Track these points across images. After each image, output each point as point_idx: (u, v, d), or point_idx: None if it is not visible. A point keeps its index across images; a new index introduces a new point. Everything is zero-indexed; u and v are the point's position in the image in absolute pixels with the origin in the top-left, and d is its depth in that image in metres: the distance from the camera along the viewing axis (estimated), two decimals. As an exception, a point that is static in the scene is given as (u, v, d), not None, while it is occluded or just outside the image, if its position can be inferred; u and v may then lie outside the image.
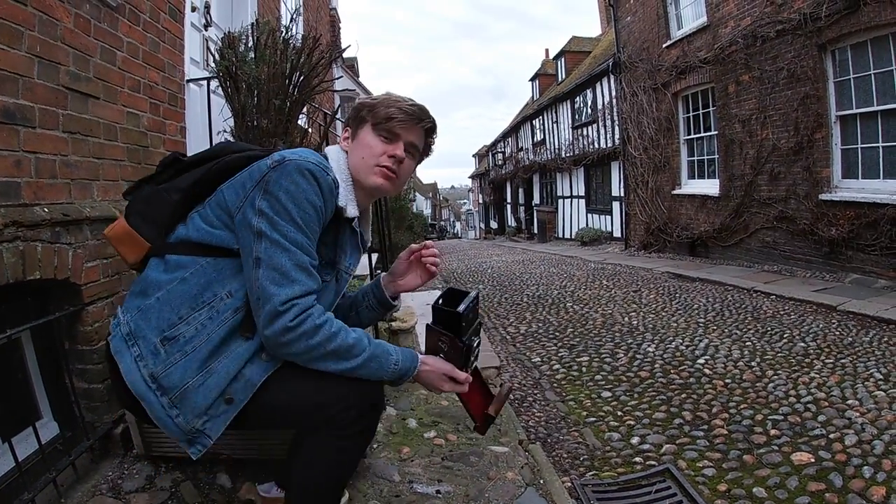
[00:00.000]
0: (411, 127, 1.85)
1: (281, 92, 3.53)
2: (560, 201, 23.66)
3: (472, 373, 1.85)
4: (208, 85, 4.48)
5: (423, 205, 61.60)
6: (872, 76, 7.98)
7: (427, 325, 1.83)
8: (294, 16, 4.16)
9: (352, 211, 1.80)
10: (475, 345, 1.83)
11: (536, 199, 27.94)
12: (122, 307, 1.74)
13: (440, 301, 1.83)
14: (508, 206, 34.87)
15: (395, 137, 1.84)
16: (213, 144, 1.95)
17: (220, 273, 1.65)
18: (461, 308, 1.73)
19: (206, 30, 5.49)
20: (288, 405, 1.65)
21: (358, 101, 1.91)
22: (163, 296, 1.63)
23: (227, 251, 1.66)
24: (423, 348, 1.85)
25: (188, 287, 1.63)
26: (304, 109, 4.06)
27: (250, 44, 3.64)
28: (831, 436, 3.40)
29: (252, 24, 3.79)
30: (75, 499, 2.47)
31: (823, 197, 8.70)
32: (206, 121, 4.36)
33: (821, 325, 5.91)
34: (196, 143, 4.62)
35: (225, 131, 3.68)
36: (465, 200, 79.23)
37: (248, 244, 1.58)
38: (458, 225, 79.33)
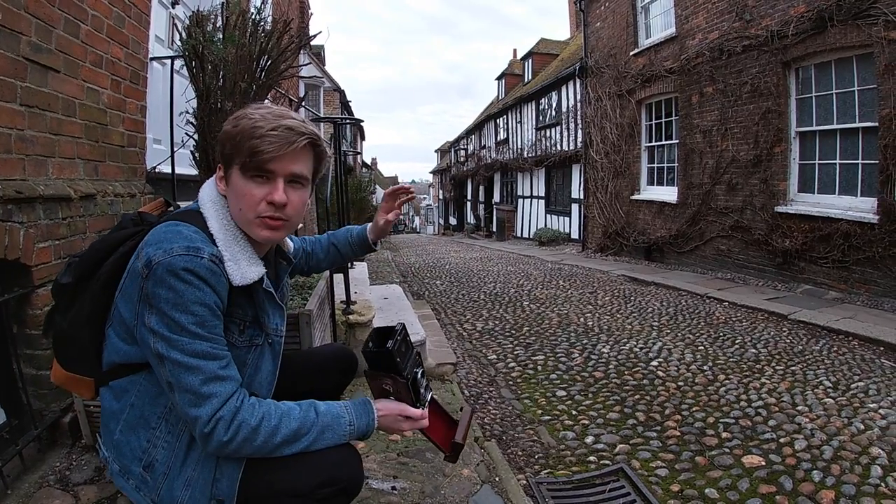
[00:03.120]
0: (285, 154, 1.53)
1: (248, 75, 3.46)
2: (520, 201, 23.83)
3: (430, 405, 1.80)
4: (172, 64, 4.38)
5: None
6: (834, 95, 8.19)
7: (365, 371, 1.75)
8: (265, -2, 4.08)
9: (252, 274, 1.55)
10: (420, 375, 1.76)
11: (497, 198, 28.05)
12: (100, 439, 1.66)
13: (370, 344, 1.74)
14: (468, 203, 34.90)
15: (271, 174, 1.54)
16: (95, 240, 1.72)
17: (158, 385, 1.53)
18: (389, 344, 1.67)
19: (174, 7, 5.37)
20: (270, 493, 1.56)
21: (223, 128, 1.58)
22: (123, 428, 1.56)
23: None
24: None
25: (138, 411, 1.56)
26: (270, 95, 3.98)
27: (219, 24, 3.56)
28: (781, 440, 3.48)
29: (222, 3, 3.71)
30: (22, 490, 2.40)
31: (779, 209, 8.92)
32: (167, 101, 4.27)
33: (772, 333, 6.04)
34: (156, 124, 4.51)
35: (187, 112, 3.59)
36: (426, 196, 79.08)
37: (155, 364, 1.46)
38: (417, 220, 79.12)
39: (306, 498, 1.54)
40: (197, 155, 3.60)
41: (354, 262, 7.71)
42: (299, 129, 1.54)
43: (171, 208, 1.79)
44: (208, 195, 1.62)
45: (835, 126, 8.20)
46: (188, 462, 1.53)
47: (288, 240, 1.93)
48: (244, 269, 1.54)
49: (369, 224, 2.26)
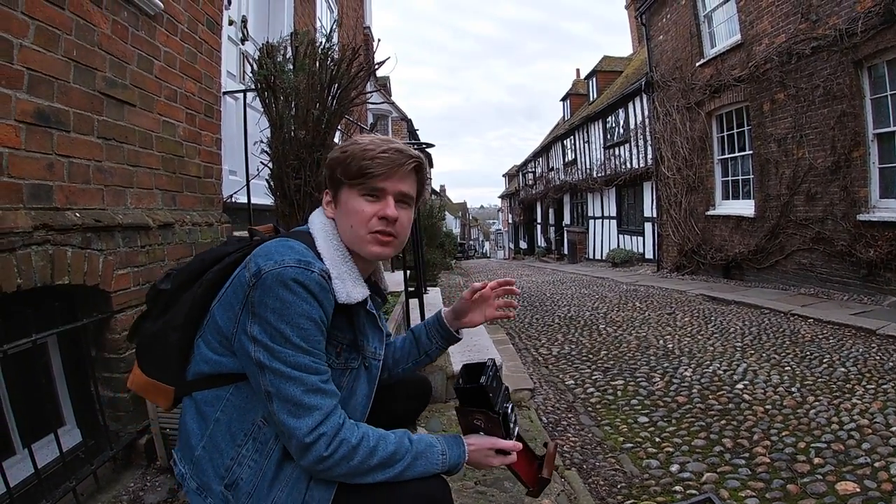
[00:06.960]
0: (395, 174, 1.61)
1: (319, 103, 3.50)
2: (591, 222, 23.54)
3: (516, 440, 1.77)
4: (244, 98, 4.49)
5: (452, 224, 61.77)
6: (910, 93, 7.82)
7: (456, 408, 1.75)
8: (333, 26, 4.14)
9: (357, 295, 1.59)
10: (510, 410, 1.75)
11: (567, 220, 27.82)
12: (177, 454, 1.66)
13: (460, 381, 1.76)
14: (538, 227, 34.73)
15: (381, 193, 1.61)
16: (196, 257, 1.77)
17: (247, 400, 1.54)
18: (483, 380, 1.68)
19: (243, 44, 5.53)
20: None
21: (329, 156, 1.68)
22: (206, 444, 1.55)
23: (243, 374, 1.54)
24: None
25: (224, 427, 1.54)
26: (341, 123, 4.02)
27: (289, 54, 3.63)
28: (876, 464, 3.26)
29: (290, 33, 3.79)
30: (95, 509, 2.44)
31: (861, 217, 8.52)
32: (241, 133, 4.37)
33: (861, 350, 5.73)
34: (231, 156, 4.62)
35: (262, 141, 3.66)
36: (495, 220, 79.28)
37: (254, 375, 1.46)
38: (486, 245, 79.29)
39: None
40: (272, 183, 3.65)
41: (428, 288, 7.72)
42: (407, 151, 1.64)
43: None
44: (317, 218, 1.69)
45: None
46: (277, 483, 1.50)
47: (385, 278, 1.94)
48: (350, 288, 1.57)
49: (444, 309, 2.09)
